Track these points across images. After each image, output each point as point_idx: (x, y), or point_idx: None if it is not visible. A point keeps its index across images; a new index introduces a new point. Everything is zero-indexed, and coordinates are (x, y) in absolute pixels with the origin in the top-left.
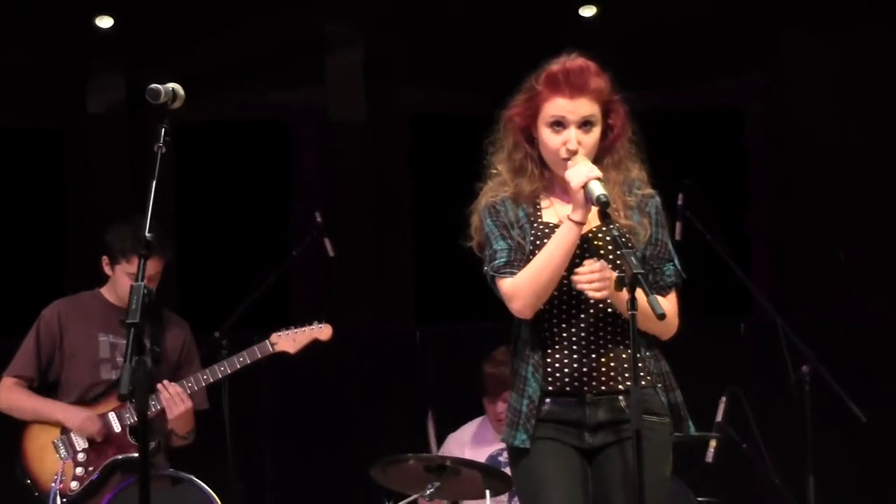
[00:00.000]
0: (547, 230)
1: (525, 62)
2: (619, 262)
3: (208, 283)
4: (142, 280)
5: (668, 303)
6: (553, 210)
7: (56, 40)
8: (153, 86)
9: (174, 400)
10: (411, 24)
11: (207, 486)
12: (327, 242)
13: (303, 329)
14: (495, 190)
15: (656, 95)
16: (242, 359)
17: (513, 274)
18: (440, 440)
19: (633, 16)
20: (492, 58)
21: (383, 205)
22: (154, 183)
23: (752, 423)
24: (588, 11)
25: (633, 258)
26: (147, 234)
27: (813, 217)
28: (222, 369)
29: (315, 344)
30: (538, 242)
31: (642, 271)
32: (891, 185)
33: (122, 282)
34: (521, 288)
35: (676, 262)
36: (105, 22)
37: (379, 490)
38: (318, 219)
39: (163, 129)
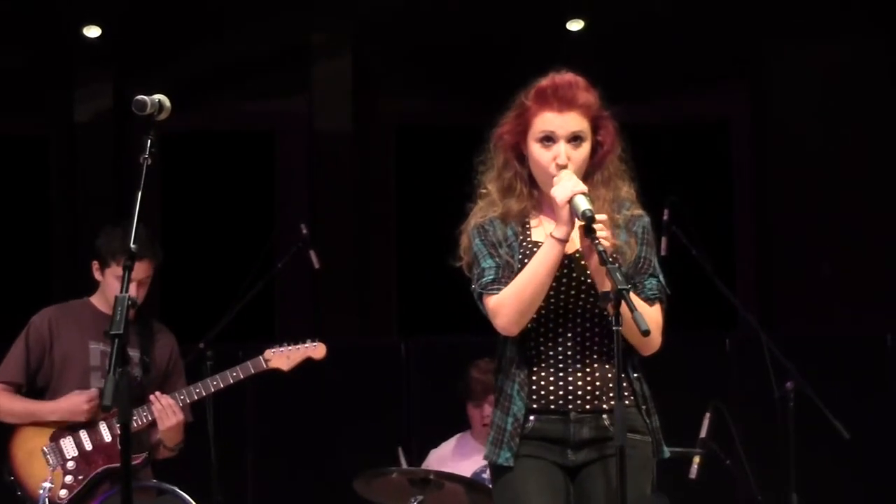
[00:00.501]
0: (535, 248)
1: (511, 74)
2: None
3: (192, 293)
4: (126, 291)
5: (654, 312)
6: (542, 229)
7: (43, 49)
8: (139, 97)
9: (166, 412)
10: (398, 34)
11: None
12: (313, 255)
13: (297, 346)
14: (485, 210)
15: (641, 108)
16: (235, 374)
17: (499, 291)
18: (422, 456)
19: (619, 29)
20: (479, 69)
21: (368, 215)
22: (139, 194)
23: (736, 439)
24: (575, 25)
25: (618, 274)
26: (132, 245)
27: (799, 230)
28: (215, 383)
29: (308, 362)
30: (526, 261)
31: (627, 287)
32: (877, 195)
33: (111, 286)
34: (505, 304)
35: (661, 278)
36: (93, 32)
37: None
38: (304, 231)
39: (149, 141)
